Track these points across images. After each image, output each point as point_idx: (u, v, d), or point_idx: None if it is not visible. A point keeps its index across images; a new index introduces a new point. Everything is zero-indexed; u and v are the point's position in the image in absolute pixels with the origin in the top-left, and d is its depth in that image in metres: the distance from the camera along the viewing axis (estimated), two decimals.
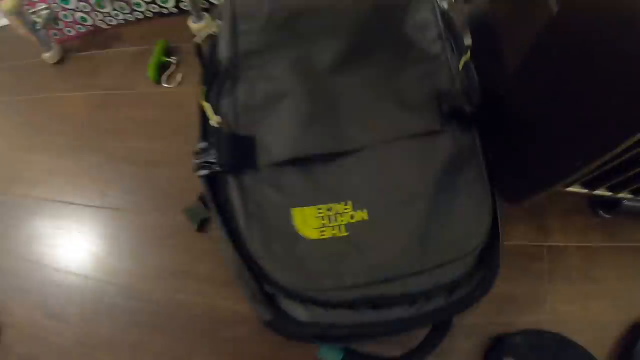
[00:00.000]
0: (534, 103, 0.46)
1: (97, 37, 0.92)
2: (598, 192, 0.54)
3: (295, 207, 0.45)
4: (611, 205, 0.75)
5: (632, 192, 0.58)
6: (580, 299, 0.73)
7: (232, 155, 0.47)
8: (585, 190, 0.52)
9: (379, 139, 0.48)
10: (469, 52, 0.53)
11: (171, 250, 0.70)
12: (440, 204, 0.45)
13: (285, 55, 0.52)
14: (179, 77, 0.83)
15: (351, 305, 0.42)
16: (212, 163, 0.47)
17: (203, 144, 0.50)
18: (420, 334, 0.52)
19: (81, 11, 0.90)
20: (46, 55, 0.92)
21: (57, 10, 0.90)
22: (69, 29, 0.93)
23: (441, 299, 0.45)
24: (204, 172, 0.48)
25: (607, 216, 0.77)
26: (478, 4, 0.64)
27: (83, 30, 0.94)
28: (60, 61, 0.93)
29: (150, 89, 0.83)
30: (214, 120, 0.49)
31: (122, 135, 0.80)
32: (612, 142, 0.33)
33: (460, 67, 0.52)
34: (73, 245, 0.74)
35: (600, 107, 0.35)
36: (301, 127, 0.48)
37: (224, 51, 0.52)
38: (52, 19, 0.90)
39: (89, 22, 0.92)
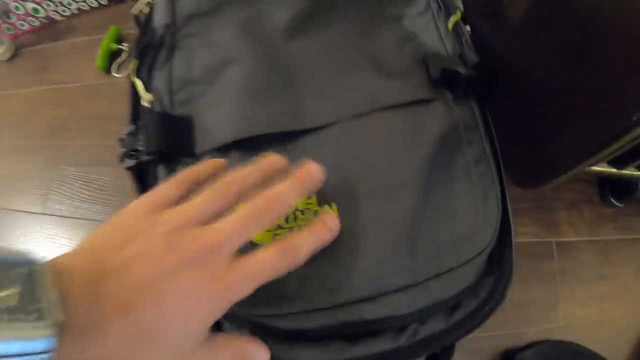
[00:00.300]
0: (546, 59, 0.32)
1: (50, 30, 0.80)
2: (627, 171, 0.41)
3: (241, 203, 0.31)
4: (625, 191, 0.62)
5: None
6: (595, 301, 0.62)
7: (163, 140, 0.34)
8: (613, 170, 0.38)
9: (351, 113, 0.35)
10: (458, 12, 0.40)
11: None
12: (434, 194, 0.32)
13: (231, 18, 0.41)
14: (131, 65, 0.69)
15: (318, 336, 0.28)
16: (139, 151, 0.34)
17: (130, 128, 0.36)
18: None
19: (32, 1, 0.77)
20: None
21: (8, 1, 0.77)
22: (21, 22, 0.81)
23: (440, 320, 0.30)
24: (129, 162, 0.35)
25: (620, 205, 0.64)
26: None
27: (37, 23, 0.82)
28: (13, 57, 0.80)
29: (100, 80, 0.70)
30: (145, 98, 0.36)
31: (69, 133, 0.68)
32: None
33: (450, 27, 0.39)
34: None
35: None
36: (249, 103, 0.36)
37: (160, 17, 0.42)
38: (3, 12, 0.78)
39: (42, 14, 0.80)
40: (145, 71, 0.39)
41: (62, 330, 0.17)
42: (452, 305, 0.31)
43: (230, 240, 0.23)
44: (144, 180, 0.36)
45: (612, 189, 0.64)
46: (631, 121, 0.24)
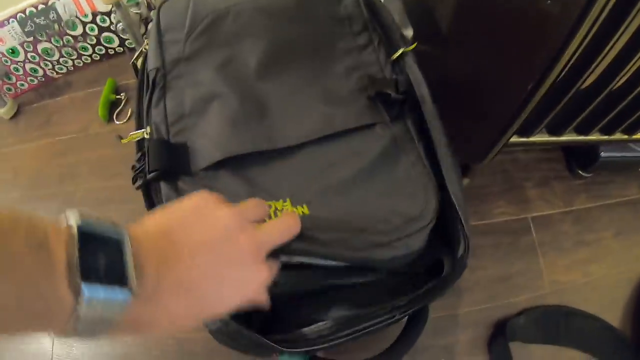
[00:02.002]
0: (465, 59, 0.41)
1: (49, 87, 0.88)
2: (591, 137, 0.49)
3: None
4: (589, 161, 0.69)
5: (624, 132, 0.53)
6: (578, 266, 0.67)
7: (160, 160, 0.42)
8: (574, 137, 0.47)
9: (312, 136, 0.43)
10: (401, 50, 0.47)
11: None
12: (379, 191, 0.40)
13: (211, 60, 0.48)
14: (129, 112, 0.78)
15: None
16: (143, 171, 0.41)
17: (137, 155, 0.44)
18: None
19: (30, 61, 0.86)
20: (1, 111, 0.87)
21: (8, 64, 0.86)
22: (21, 82, 0.89)
23: (400, 278, 0.38)
24: (139, 182, 0.42)
25: (587, 175, 0.71)
26: None
27: (35, 82, 0.90)
28: (16, 115, 0.88)
29: (103, 129, 0.78)
30: (145, 134, 0.44)
31: (78, 179, 0.75)
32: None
33: (395, 57, 0.47)
34: None
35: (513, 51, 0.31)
36: (231, 128, 0.43)
37: (151, 63, 0.48)
38: (4, 74, 0.86)
39: (40, 73, 0.88)
40: (144, 108, 0.47)
41: (133, 292, 0.22)
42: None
43: (272, 243, 0.30)
44: (151, 196, 0.43)
45: (577, 161, 0.70)
46: (527, 90, 0.32)
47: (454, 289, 0.59)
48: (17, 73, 0.87)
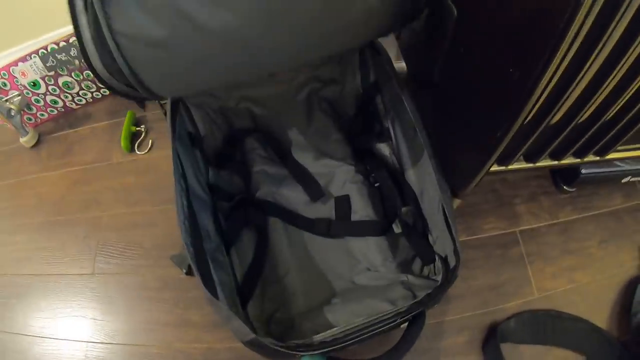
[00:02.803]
0: (457, 88, 0.52)
1: (69, 118, 0.97)
2: (565, 161, 0.58)
3: None
4: (571, 177, 0.78)
5: (595, 154, 0.61)
6: (564, 274, 0.75)
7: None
8: (544, 163, 0.57)
9: None
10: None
11: (164, 302, 0.72)
12: None
13: None
14: (149, 143, 0.87)
15: None
16: None
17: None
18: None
19: (51, 94, 0.95)
20: (23, 140, 0.96)
21: (29, 95, 0.95)
22: (42, 112, 0.98)
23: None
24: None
25: (572, 189, 0.80)
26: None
27: (55, 112, 0.99)
28: (37, 144, 0.97)
29: (125, 158, 0.87)
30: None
31: (102, 205, 0.84)
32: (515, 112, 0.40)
33: None
34: (71, 315, 0.76)
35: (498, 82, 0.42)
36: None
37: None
38: (25, 105, 0.95)
39: (60, 104, 0.97)
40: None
41: None
42: None
43: None
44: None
45: (561, 177, 0.80)
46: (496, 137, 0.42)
47: (450, 297, 0.68)
48: (37, 104, 0.97)
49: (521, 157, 0.58)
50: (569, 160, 0.61)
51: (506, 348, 0.66)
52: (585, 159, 0.63)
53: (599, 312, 0.73)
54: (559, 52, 0.35)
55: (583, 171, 0.77)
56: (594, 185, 0.83)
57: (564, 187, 0.80)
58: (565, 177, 0.79)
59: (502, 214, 0.76)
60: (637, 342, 0.71)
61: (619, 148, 0.62)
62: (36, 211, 0.88)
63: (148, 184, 0.81)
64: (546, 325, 0.71)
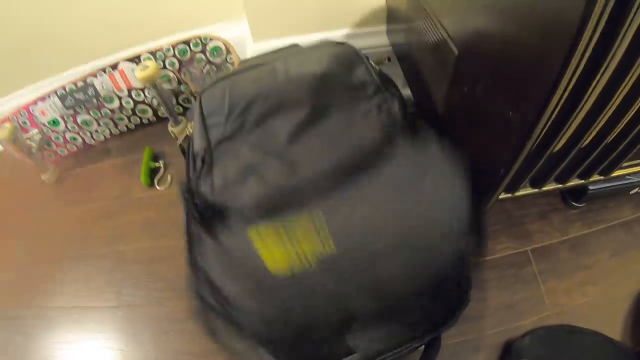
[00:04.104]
0: (460, 122, 0.57)
1: (88, 154, 1.05)
2: (570, 183, 0.63)
3: (265, 249, 0.52)
4: (580, 194, 0.83)
5: (599, 174, 0.66)
6: (577, 289, 0.79)
7: (205, 217, 0.55)
8: (554, 186, 0.62)
9: (334, 185, 0.54)
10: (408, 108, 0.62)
11: (188, 332, 0.77)
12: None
13: (248, 137, 0.61)
14: (168, 178, 0.94)
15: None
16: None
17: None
18: None
19: (70, 131, 1.02)
20: (45, 176, 1.03)
21: (49, 133, 1.02)
22: (61, 149, 1.06)
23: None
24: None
25: (581, 205, 0.85)
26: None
27: (74, 149, 1.06)
28: (58, 179, 1.05)
29: (145, 193, 0.94)
30: (188, 197, 0.58)
31: (127, 239, 0.89)
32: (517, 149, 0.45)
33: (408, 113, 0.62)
34: (97, 347, 0.81)
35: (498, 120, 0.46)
36: (269, 189, 0.55)
37: (198, 144, 0.62)
38: (45, 142, 1.03)
39: (79, 140, 1.05)
40: (194, 183, 0.61)
41: None
42: None
43: None
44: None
45: (570, 194, 0.85)
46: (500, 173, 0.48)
47: (466, 317, 0.72)
48: (57, 141, 1.04)
49: (527, 183, 0.63)
50: (574, 182, 0.67)
51: None
52: (590, 179, 0.68)
53: (613, 324, 0.76)
54: (554, 98, 0.40)
55: (590, 187, 0.81)
56: (603, 199, 0.87)
57: (573, 203, 0.84)
58: (574, 194, 0.84)
59: (513, 233, 0.80)
60: None
61: (623, 165, 0.68)
62: (62, 246, 0.94)
63: (170, 218, 0.88)
64: (560, 340, 0.75)
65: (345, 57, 0.63)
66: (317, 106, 0.61)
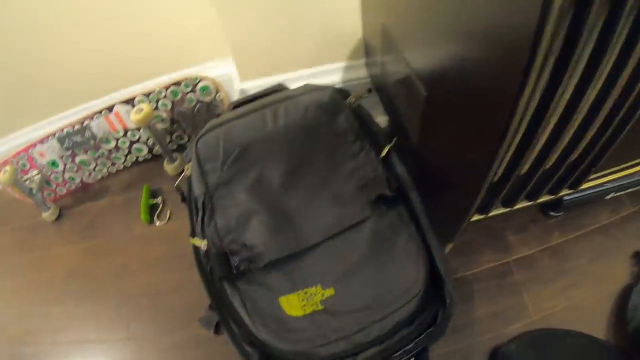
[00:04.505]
0: (432, 153, 0.64)
1: (87, 192, 1.11)
2: (541, 199, 0.70)
3: (281, 296, 0.61)
4: (556, 204, 0.90)
5: (568, 188, 0.72)
6: (560, 293, 0.85)
7: (224, 269, 0.63)
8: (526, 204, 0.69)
9: (326, 235, 0.64)
10: (387, 146, 0.69)
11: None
12: (384, 268, 0.62)
13: (244, 183, 0.68)
14: (167, 213, 1.00)
15: (338, 356, 0.58)
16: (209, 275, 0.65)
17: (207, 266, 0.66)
18: None
19: (69, 171, 1.08)
20: (45, 215, 1.09)
21: (48, 173, 1.08)
22: (60, 188, 1.11)
23: (404, 331, 0.60)
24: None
25: (558, 215, 0.92)
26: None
27: (73, 187, 1.12)
28: (59, 218, 1.10)
29: (146, 229, 1.00)
30: (202, 245, 0.65)
31: (131, 275, 0.95)
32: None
33: (383, 154, 0.69)
34: None
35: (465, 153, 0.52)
36: (269, 238, 0.64)
37: (197, 189, 0.69)
38: (45, 182, 1.09)
39: (78, 179, 1.11)
40: (199, 227, 0.68)
41: None
42: (407, 324, 0.60)
43: None
44: (218, 295, 0.64)
45: (547, 205, 0.92)
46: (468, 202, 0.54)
47: (454, 328, 0.78)
48: (56, 181, 1.10)
49: (499, 203, 0.70)
50: (545, 198, 0.73)
51: None
52: (560, 194, 0.75)
53: (597, 325, 0.81)
54: (507, 138, 0.47)
55: (565, 198, 0.88)
56: (580, 207, 0.93)
57: (551, 213, 0.91)
58: (550, 204, 0.90)
59: (495, 246, 0.87)
60: (634, 347, 0.77)
61: (591, 177, 0.74)
62: (66, 284, 1.00)
63: (171, 252, 0.94)
64: (546, 343, 0.79)
65: (328, 105, 0.71)
66: (304, 154, 0.69)
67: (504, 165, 0.55)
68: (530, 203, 0.72)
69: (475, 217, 0.67)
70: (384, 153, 0.69)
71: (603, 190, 0.89)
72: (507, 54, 0.39)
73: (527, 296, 0.83)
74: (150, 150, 1.08)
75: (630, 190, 0.92)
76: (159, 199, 1.02)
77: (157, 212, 1.01)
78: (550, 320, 0.82)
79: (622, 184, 0.88)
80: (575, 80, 0.43)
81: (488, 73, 0.44)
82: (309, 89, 0.73)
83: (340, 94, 0.74)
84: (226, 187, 0.69)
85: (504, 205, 0.70)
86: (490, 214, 0.68)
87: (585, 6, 0.34)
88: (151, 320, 0.89)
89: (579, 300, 0.84)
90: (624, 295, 0.84)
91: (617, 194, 0.92)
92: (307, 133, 0.70)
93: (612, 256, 0.90)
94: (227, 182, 0.69)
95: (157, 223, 1.00)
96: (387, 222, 0.65)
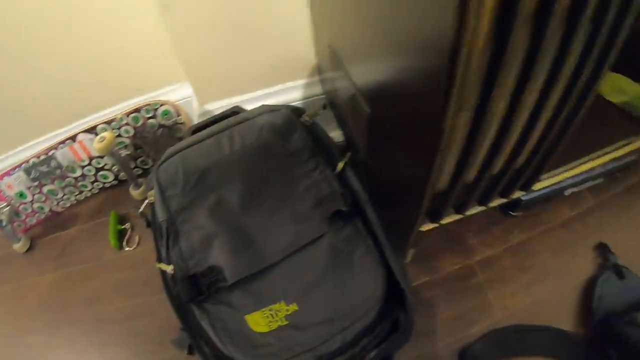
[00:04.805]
0: (380, 169, 0.67)
1: (57, 221, 1.12)
2: (493, 204, 0.73)
3: (246, 315, 0.64)
4: (514, 204, 0.94)
5: (520, 190, 0.75)
6: (523, 290, 0.88)
7: (191, 292, 0.65)
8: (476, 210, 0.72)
9: (286, 252, 0.67)
10: (341, 162, 0.72)
11: None
12: (343, 281, 0.65)
13: (205, 205, 0.71)
14: (136, 238, 1.02)
15: None
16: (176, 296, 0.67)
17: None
18: None
19: (37, 201, 1.10)
20: (16, 246, 1.10)
21: (17, 205, 1.10)
22: (30, 218, 1.13)
23: (365, 340, 0.63)
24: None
25: (518, 214, 0.96)
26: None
27: (43, 217, 1.14)
28: (30, 248, 1.11)
29: (116, 255, 1.01)
30: (169, 269, 0.68)
31: (103, 300, 0.96)
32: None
33: (339, 169, 0.72)
34: None
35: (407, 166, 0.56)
36: (231, 258, 0.67)
37: (161, 214, 0.72)
38: (14, 213, 1.10)
39: (47, 209, 1.12)
40: (164, 252, 0.70)
41: None
42: (368, 332, 0.62)
43: None
44: (185, 316, 0.67)
45: (505, 206, 0.96)
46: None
47: (420, 333, 0.80)
48: (25, 212, 1.11)
49: (452, 209, 0.74)
50: (497, 202, 0.77)
51: None
52: (512, 196, 0.78)
53: (563, 318, 0.83)
54: (440, 150, 0.49)
55: (523, 198, 0.91)
56: (540, 204, 0.96)
57: (511, 213, 0.95)
58: (509, 205, 0.94)
59: (457, 250, 0.90)
60: (601, 337, 0.80)
61: (542, 177, 0.78)
62: (42, 312, 1.01)
63: (142, 276, 0.96)
64: (512, 339, 0.81)
65: (282, 125, 0.74)
66: (261, 175, 0.73)
67: (449, 174, 0.58)
68: (482, 208, 0.75)
69: (430, 226, 0.70)
70: (338, 168, 0.72)
71: (560, 187, 0.92)
72: (428, 70, 0.42)
73: (491, 296, 0.87)
74: (116, 177, 1.10)
75: (591, 184, 0.97)
76: (127, 225, 1.04)
77: (126, 237, 1.03)
78: (517, 317, 0.84)
79: (578, 180, 0.92)
80: (509, 88, 0.45)
81: (416, 90, 0.48)
82: (264, 110, 0.76)
83: (294, 112, 0.77)
84: (188, 212, 0.71)
85: (457, 211, 0.73)
86: (445, 222, 0.71)
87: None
88: (126, 345, 0.91)
89: (544, 296, 0.87)
90: (589, 287, 0.87)
91: (577, 189, 0.95)
92: (262, 154, 0.73)
93: (574, 249, 0.93)
94: (188, 207, 0.72)
95: (127, 248, 1.02)
96: (344, 237, 0.68)
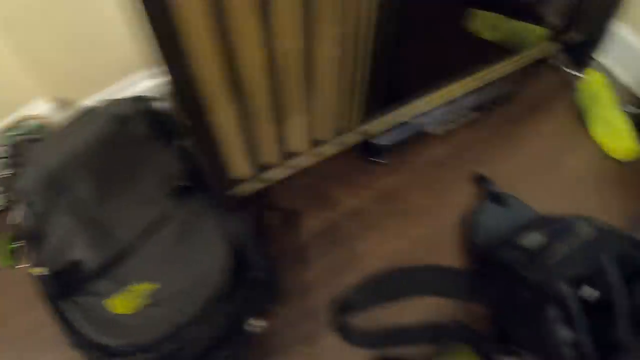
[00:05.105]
0: None
1: None
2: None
3: (107, 299, 0.69)
4: (374, 150, 0.94)
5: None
6: (399, 234, 0.90)
7: (59, 288, 0.70)
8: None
9: (139, 234, 0.73)
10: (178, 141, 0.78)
11: None
12: (195, 253, 0.72)
13: (62, 205, 0.75)
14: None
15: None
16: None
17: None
18: None
19: None
20: None
21: None
22: None
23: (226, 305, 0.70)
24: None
25: (384, 160, 0.97)
26: None
27: None
28: None
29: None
30: (37, 272, 0.72)
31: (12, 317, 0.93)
32: None
33: (177, 148, 0.77)
34: None
35: None
36: (90, 249, 0.72)
37: (25, 222, 0.77)
38: None
39: None
40: (33, 256, 0.74)
41: None
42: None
43: None
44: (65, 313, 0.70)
45: (366, 152, 0.93)
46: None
47: (293, 291, 0.84)
48: None
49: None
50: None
51: (358, 319, 0.80)
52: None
53: (443, 255, 0.87)
54: None
55: (381, 142, 0.91)
56: (404, 147, 0.96)
57: (375, 159, 0.95)
58: (370, 151, 0.93)
59: (321, 204, 0.92)
60: (482, 265, 0.83)
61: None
62: None
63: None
64: (389, 282, 0.83)
65: (124, 115, 0.79)
66: (109, 166, 0.78)
67: None
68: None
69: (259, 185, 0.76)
70: (177, 147, 0.77)
71: (413, 127, 0.93)
72: None
73: (366, 244, 0.88)
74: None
75: (464, 119, 0.99)
76: (20, 242, 1.03)
77: (21, 255, 1.02)
78: (395, 262, 0.86)
79: (439, 115, 0.94)
80: None
81: None
82: (108, 104, 0.81)
83: (137, 101, 0.83)
84: (49, 214, 0.75)
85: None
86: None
87: None
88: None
89: (422, 237, 0.90)
90: (468, 219, 0.90)
91: (436, 127, 0.96)
92: (108, 145, 0.77)
93: (446, 186, 0.96)
94: (48, 210, 0.76)
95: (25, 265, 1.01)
96: (192, 211, 0.74)
